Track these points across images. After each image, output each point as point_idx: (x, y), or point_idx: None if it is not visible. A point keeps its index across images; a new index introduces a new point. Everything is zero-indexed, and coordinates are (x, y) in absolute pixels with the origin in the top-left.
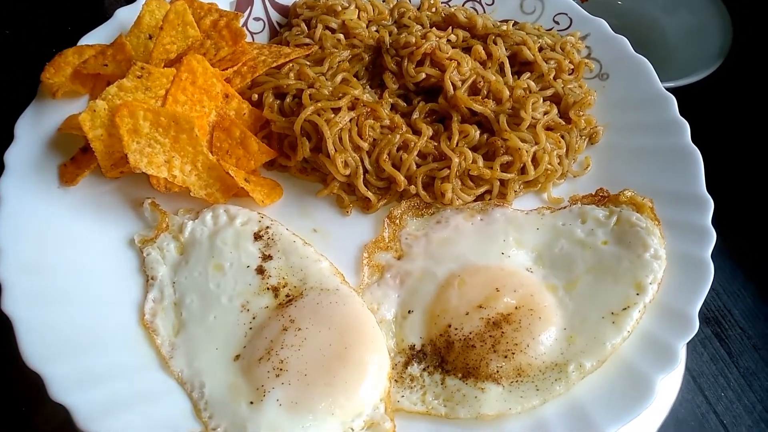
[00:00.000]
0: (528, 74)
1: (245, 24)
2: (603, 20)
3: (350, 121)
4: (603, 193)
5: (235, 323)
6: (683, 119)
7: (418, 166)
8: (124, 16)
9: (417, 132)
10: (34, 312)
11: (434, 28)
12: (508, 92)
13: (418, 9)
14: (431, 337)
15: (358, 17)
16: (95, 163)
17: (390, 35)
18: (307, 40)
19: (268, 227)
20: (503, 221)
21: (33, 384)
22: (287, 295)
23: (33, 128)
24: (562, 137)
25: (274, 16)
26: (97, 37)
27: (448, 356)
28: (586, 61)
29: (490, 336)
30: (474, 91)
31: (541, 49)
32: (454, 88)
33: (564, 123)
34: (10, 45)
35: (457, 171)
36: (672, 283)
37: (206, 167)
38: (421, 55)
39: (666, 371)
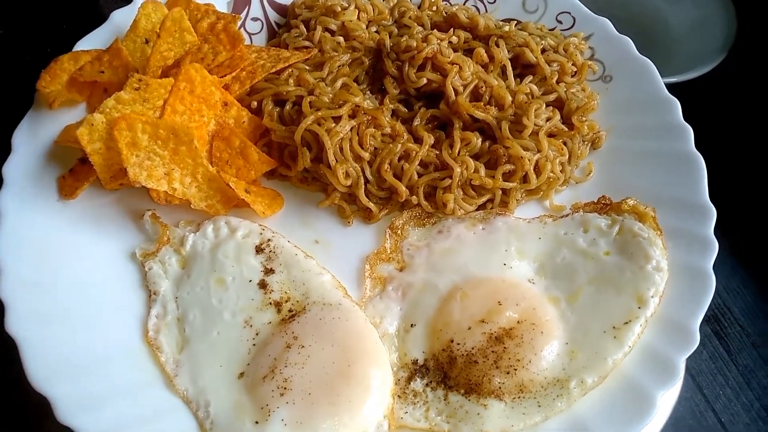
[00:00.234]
0: (530, 77)
1: (243, 24)
2: (607, 20)
3: (351, 130)
4: (605, 200)
5: (239, 340)
6: (687, 124)
7: (419, 175)
8: (120, 18)
9: (418, 139)
10: (38, 332)
11: (435, 29)
12: (510, 98)
13: (419, 8)
14: (434, 351)
15: (358, 18)
16: (94, 175)
17: (390, 36)
18: (306, 43)
19: (269, 240)
20: (505, 230)
21: (37, 404)
22: (290, 310)
23: (30, 139)
24: (565, 144)
25: (273, 15)
26: (92, 41)
27: (450, 372)
28: (590, 63)
29: (493, 351)
30: (476, 96)
31: (543, 51)
32: (456, 93)
33: (567, 129)
34: (5, 44)
35: (459, 181)
36: (673, 295)
37: (206, 179)
38: (422, 59)
39: (667, 387)
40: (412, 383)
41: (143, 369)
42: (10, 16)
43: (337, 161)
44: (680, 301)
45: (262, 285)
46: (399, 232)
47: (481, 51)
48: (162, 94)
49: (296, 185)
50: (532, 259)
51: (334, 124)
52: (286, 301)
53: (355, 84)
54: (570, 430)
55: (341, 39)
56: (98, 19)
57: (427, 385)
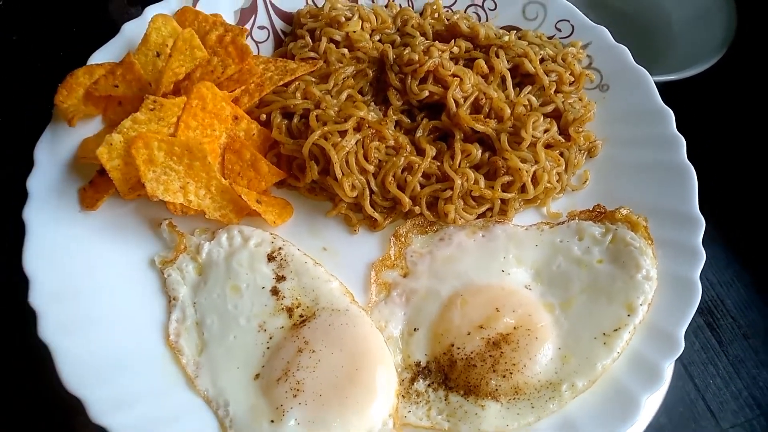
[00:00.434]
0: (529, 87)
1: (250, 34)
2: (605, 28)
3: (356, 143)
4: (600, 209)
5: (254, 343)
6: (680, 135)
7: (422, 186)
8: (131, 30)
9: (421, 150)
10: (68, 338)
11: (437, 39)
12: (509, 110)
13: (421, 15)
14: (435, 354)
15: (362, 28)
16: (113, 187)
17: (393, 46)
18: (312, 54)
19: (280, 248)
20: (504, 238)
21: (68, 407)
22: (301, 315)
23: (51, 153)
24: (561, 154)
25: (278, 23)
26: (105, 54)
27: (451, 374)
28: (587, 72)
29: (490, 356)
30: (476, 107)
31: (542, 61)
32: (457, 105)
33: (563, 140)
34: (18, 50)
35: (459, 192)
36: (661, 303)
37: (219, 191)
38: (424, 72)
39: (652, 390)
40: (415, 384)
41: (166, 371)
42: (21, 21)
43: (343, 174)
44: (667, 309)
45: (275, 292)
46: (403, 239)
47: (482, 62)
48: (176, 111)
49: (305, 195)
50: (529, 266)
51: (340, 139)
52: (297, 307)
53: (359, 96)
54: (561, 430)
55: (345, 51)
56: (108, 22)
57: (429, 385)
